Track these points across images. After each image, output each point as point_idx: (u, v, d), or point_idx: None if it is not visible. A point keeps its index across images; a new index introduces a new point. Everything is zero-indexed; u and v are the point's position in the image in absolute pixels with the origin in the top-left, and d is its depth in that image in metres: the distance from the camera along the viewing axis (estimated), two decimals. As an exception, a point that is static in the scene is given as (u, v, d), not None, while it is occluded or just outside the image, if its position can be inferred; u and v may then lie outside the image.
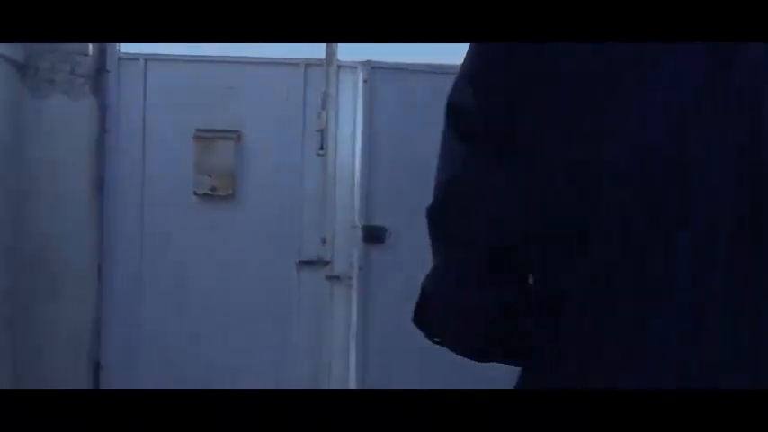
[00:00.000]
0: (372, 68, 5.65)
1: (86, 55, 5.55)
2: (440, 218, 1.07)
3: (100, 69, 5.70)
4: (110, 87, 5.73)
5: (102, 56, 5.71)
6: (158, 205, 5.68)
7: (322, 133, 5.51)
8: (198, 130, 5.62)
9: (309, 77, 5.69)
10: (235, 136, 5.62)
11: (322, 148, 5.53)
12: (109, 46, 5.74)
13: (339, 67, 5.67)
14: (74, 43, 5.48)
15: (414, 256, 5.21)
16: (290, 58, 5.77)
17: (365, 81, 5.62)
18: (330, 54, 5.62)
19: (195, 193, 5.61)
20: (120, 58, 5.77)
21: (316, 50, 5.69)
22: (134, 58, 5.77)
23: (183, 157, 5.62)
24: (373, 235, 5.59)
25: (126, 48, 5.81)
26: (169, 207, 5.67)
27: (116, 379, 5.57)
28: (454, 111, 1.05)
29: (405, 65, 5.68)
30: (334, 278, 5.57)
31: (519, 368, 1.08)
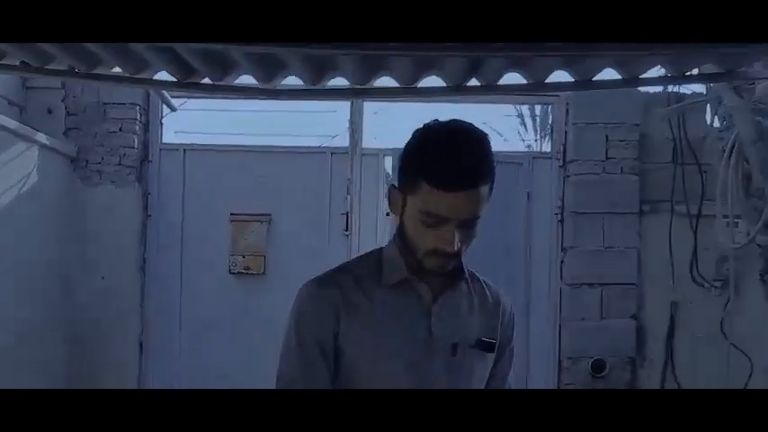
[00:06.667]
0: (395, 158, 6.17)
1: (132, 147, 6.11)
2: None
3: (143, 160, 6.25)
4: (151, 175, 6.27)
5: (145, 147, 6.26)
6: (196, 283, 6.20)
7: (347, 216, 6.04)
8: (233, 214, 6.15)
9: (335, 164, 6.22)
10: (266, 219, 6.15)
11: (347, 230, 6.08)
12: (151, 138, 6.29)
13: (363, 155, 6.18)
14: (121, 137, 6.05)
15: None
16: (317, 147, 6.33)
17: (394, 168, 6.10)
18: (354, 142, 6.16)
19: (230, 272, 6.12)
20: (161, 149, 6.32)
21: (340, 140, 6.26)
22: (174, 149, 6.33)
23: (219, 239, 6.15)
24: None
25: (167, 139, 6.38)
26: (206, 285, 6.19)
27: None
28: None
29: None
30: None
31: None
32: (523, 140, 6.25)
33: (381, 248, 1.97)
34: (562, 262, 6.07)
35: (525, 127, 10.67)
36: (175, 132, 6.49)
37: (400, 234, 1.88)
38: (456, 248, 1.77)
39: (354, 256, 5.93)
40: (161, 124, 6.38)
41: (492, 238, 5.86)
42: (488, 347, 1.94)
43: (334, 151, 6.28)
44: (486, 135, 1.79)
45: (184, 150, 6.33)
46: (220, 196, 6.20)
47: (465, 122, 1.80)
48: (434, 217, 1.75)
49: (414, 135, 1.82)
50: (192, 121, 6.47)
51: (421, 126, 1.83)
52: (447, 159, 1.71)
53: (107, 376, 5.89)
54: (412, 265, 1.87)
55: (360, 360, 1.86)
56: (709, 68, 3.23)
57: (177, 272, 6.22)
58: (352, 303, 1.86)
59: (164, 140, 6.39)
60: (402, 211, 1.84)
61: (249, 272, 6.12)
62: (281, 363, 1.93)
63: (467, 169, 1.71)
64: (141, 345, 6.19)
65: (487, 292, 2.02)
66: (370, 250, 2.01)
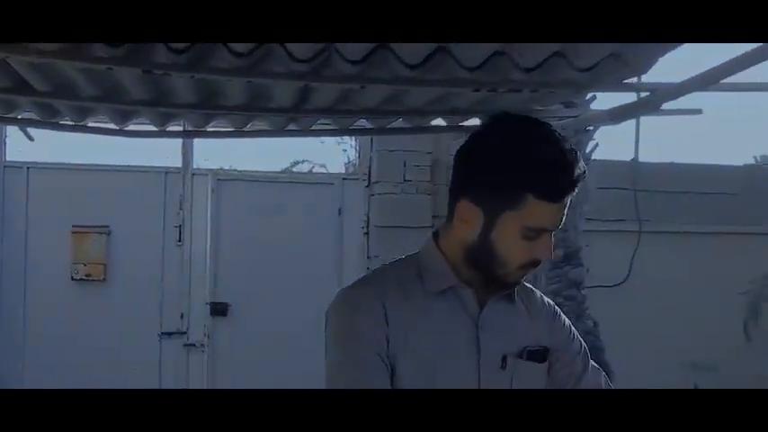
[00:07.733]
0: (218, 180, 6.97)
1: (-23, 164, 6.63)
2: None
3: (-12, 176, 6.76)
4: (-4, 190, 6.80)
5: (-11, 164, 6.78)
6: (39, 289, 6.75)
7: (180, 228, 6.80)
8: (74, 225, 6.73)
9: (169, 182, 6.95)
10: (106, 231, 6.80)
11: (180, 240, 6.83)
12: (-6, 156, 6.81)
13: (193, 174, 6.94)
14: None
15: (249, 327, 6.51)
16: (153, 167, 7.03)
17: (213, 190, 6.90)
18: (186, 163, 6.92)
19: (72, 278, 6.74)
20: (5, 166, 6.84)
21: (174, 160, 7.00)
22: (18, 166, 6.86)
23: (61, 249, 6.72)
24: (219, 309, 6.87)
25: (11, 157, 6.91)
26: (50, 291, 6.76)
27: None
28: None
29: (246, 173, 7.04)
30: (190, 345, 6.81)
31: None
32: (348, 157, 7.27)
33: (414, 255, 1.78)
34: (368, 268, 7.00)
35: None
36: (19, 150, 7.02)
37: (481, 250, 1.65)
38: (554, 255, 1.65)
39: (186, 262, 6.72)
40: (5, 143, 6.91)
41: (308, 249, 6.78)
42: (539, 357, 1.75)
43: (168, 170, 6.96)
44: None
45: (28, 168, 6.86)
46: (63, 210, 6.74)
47: (540, 122, 1.67)
48: (537, 230, 1.62)
49: (493, 143, 1.64)
50: (37, 139, 6.95)
51: (488, 128, 1.70)
52: (560, 171, 1.58)
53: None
54: (461, 272, 1.71)
55: (403, 373, 1.65)
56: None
57: (21, 280, 6.75)
58: (396, 312, 1.67)
59: (8, 158, 6.90)
60: (486, 228, 1.64)
61: (90, 278, 6.74)
62: (332, 385, 1.68)
63: (577, 176, 1.60)
64: (-14, 346, 6.70)
65: (530, 295, 1.86)
66: (400, 257, 1.82)
